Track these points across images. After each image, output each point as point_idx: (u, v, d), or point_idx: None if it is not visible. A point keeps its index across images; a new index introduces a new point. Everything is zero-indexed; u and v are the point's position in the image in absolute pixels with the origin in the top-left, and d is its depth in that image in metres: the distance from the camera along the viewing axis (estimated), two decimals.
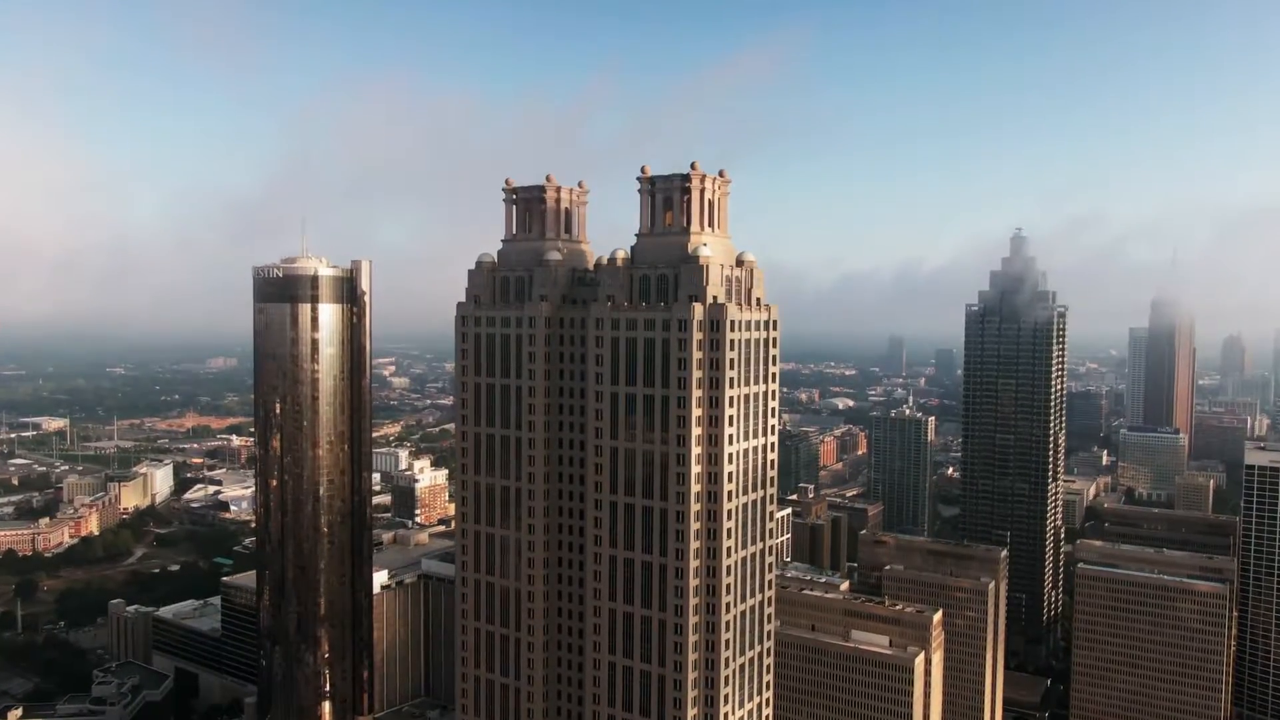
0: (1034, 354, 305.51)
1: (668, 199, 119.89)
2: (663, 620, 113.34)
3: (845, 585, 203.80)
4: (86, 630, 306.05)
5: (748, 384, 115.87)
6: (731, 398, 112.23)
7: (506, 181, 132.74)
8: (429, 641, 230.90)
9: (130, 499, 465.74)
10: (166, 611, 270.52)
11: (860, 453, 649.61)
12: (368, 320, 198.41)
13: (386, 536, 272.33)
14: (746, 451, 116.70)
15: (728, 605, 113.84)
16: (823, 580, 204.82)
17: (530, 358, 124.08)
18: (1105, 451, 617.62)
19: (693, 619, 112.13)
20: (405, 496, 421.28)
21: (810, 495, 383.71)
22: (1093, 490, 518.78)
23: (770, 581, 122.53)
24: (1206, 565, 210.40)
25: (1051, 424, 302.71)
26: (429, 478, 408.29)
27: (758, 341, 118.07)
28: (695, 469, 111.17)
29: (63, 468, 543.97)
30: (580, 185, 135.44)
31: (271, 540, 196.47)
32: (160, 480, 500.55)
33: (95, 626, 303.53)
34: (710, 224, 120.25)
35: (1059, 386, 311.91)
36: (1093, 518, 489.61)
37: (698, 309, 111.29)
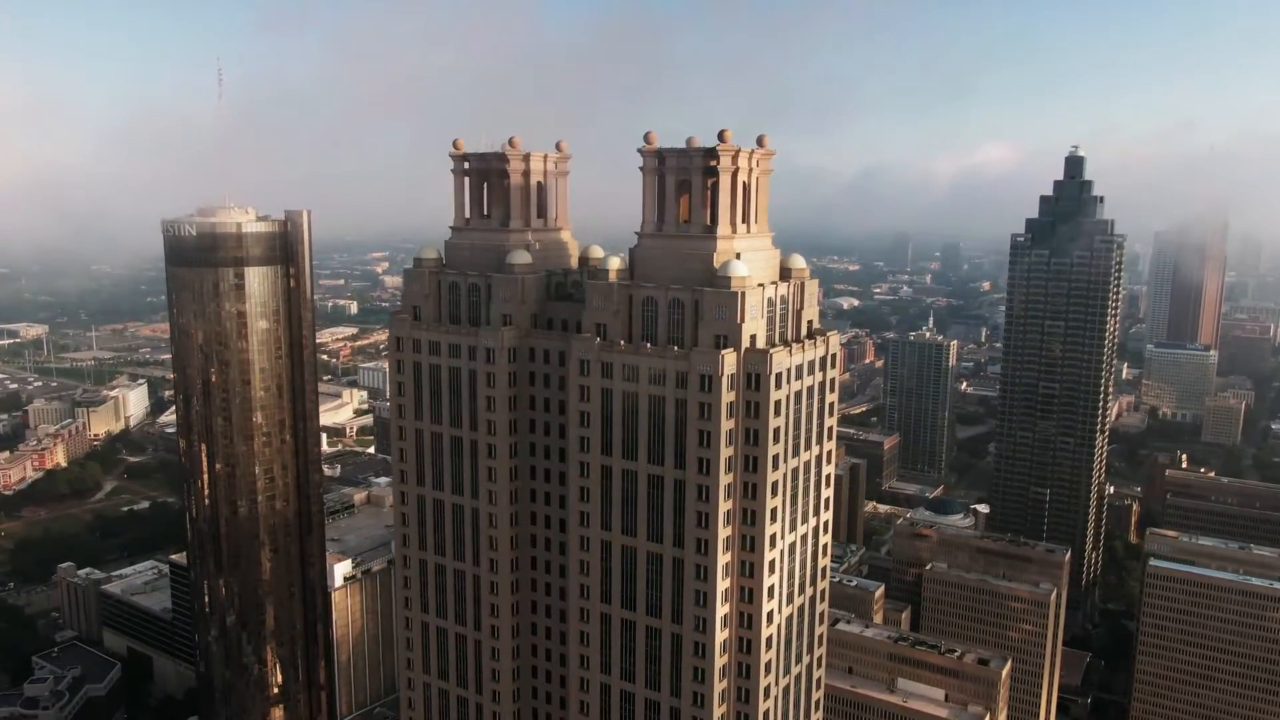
0: (1088, 293, 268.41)
1: (683, 183, 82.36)
2: None
3: (880, 592, 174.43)
4: (40, 591, 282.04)
5: (797, 454, 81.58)
6: (775, 483, 77.99)
7: (455, 144, 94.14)
8: None
9: (101, 424, 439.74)
10: (116, 585, 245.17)
11: (868, 361, 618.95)
12: (307, 283, 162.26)
13: (358, 496, 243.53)
14: (794, 546, 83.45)
15: None
16: (854, 584, 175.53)
17: (489, 403, 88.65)
18: (1125, 365, 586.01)
19: None
20: (389, 428, 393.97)
21: None
22: (1115, 410, 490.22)
23: (818, 702, 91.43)
24: None
25: (1104, 372, 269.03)
26: None
27: (810, 390, 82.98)
28: (722, 584, 78.17)
29: (36, 384, 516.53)
30: (559, 148, 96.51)
31: (203, 558, 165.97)
32: (134, 402, 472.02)
33: (50, 586, 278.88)
34: (745, 218, 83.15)
35: (1113, 328, 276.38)
36: (1116, 441, 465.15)
37: (729, 359, 75.62)
